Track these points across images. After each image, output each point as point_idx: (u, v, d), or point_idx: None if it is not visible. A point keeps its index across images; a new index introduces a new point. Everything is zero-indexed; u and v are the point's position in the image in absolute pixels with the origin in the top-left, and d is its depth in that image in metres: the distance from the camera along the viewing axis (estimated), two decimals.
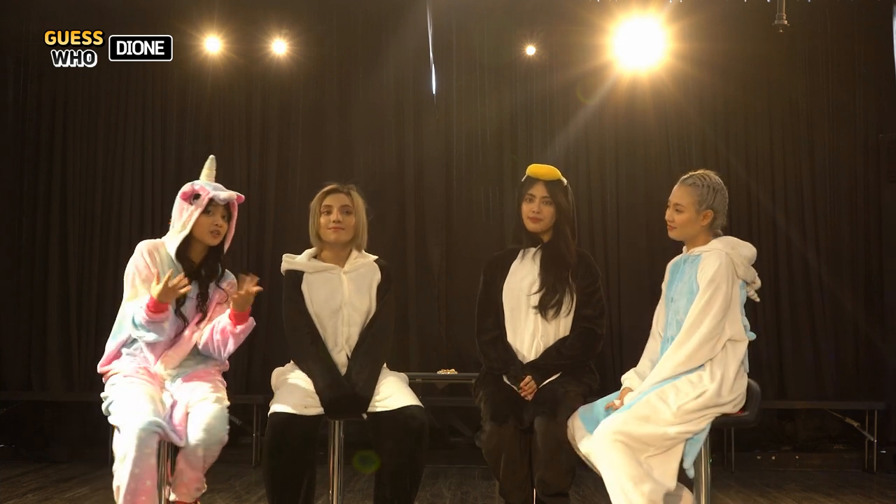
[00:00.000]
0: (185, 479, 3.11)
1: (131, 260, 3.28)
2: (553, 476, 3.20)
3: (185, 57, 6.28)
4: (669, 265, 3.48)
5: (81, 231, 6.37)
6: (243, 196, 3.42)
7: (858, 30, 6.37)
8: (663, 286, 3.46)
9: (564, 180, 3.61)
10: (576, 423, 3.23)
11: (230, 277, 3.43)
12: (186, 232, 3.26)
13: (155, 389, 3.14)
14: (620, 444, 3.04)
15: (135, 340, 3.24)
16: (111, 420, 3.05)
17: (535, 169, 3.60)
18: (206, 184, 3.33)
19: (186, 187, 3.32)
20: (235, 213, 3.40)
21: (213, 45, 6.29)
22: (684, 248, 3.42)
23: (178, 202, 3.31)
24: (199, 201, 3.26)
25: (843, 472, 5.94)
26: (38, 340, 6.29)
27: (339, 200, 3.50)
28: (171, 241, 3.29)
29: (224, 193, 3.31)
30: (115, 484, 2.94)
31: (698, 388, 3.10)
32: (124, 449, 2.90)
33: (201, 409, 3.08)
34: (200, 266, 3.34)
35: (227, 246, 3.42)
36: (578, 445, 3.20)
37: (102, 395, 3.18)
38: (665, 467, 3.07)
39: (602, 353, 6.14)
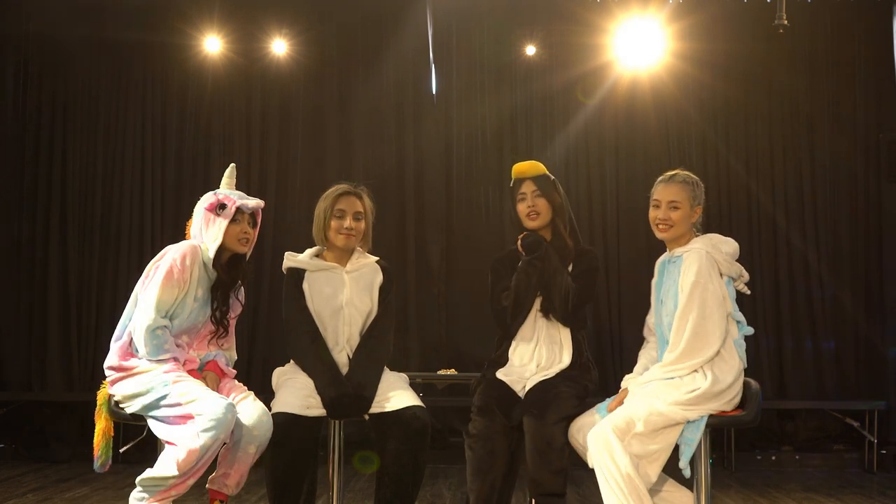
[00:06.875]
0: (231, 472, 3.16)
1: (170, 255, 3.18)
2: (544, 476, 3.19)
3: (185, 57, 6.29)
4: (658, 263, 3.47)
5: (81, 231, 6.36)
6: (263, 202, 3.38)
7: (858, 30, 6.37)
8: (653, 284, 3.46)
9: (551, 175, 3.60)
10: (581, 437, 3.19)
11: (240, 290, 3.44)
12: (219, 242, 3.23)
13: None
14: (613, 436, 3.01)
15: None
16: (175, 413, 2.97)
17: (519, 167, 3.60)
18: (231, 193, 3.30)
19: (210, 198, 3.28)
20: (259, 220, 3.37)
21: (213, 45, 6.28)
22: (667, 248, 3.41)
23: (203, 213, 3.26)
24: (226, 211, 3.23)
25: (843, 472, 5.94)
26: (38, 340, 6.28)
27: (352, 206, 3.48)
28: (207, 251, 3.26)
29: (252, 202, 3.29)
30: (182, 451, 2.90)
31: (691, 385, 3.09)
32: (213, 431, 2.91)
33: (248, 406, 3.13)
34: (226, 273, 3.32)
35: (249, 252, 3.39)
36: (587, 458, 3.16)
37: (139, 391, 3.05)
38: (652, 465, 3.03)
39: (602, 353, 6.14)
